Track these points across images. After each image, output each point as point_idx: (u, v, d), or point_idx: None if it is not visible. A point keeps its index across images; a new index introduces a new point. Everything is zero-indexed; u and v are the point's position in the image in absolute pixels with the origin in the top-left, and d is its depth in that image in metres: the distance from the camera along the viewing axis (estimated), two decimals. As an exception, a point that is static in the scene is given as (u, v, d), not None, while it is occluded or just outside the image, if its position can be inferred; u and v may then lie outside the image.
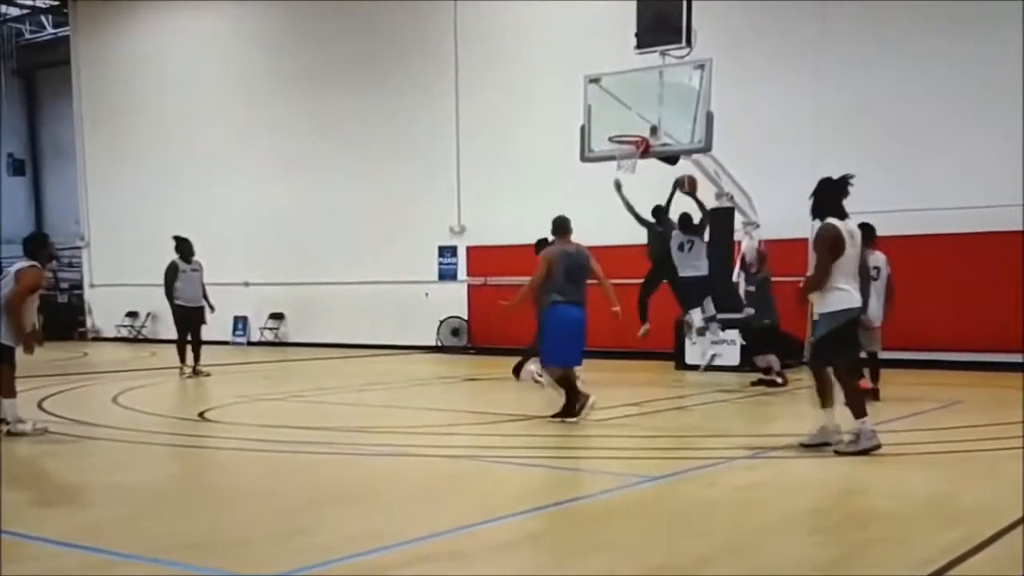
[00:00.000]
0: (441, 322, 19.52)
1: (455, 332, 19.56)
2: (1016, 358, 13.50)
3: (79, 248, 26.84)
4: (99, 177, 25.63)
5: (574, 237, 8.96)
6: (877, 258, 9.91)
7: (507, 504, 5.53)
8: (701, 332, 12.89)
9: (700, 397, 11.00)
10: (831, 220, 6.97)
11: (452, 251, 19.68)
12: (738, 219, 13.12)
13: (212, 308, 14.33)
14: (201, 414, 9.70)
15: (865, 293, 8.03)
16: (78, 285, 27.63)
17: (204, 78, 23.35)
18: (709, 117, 11.86)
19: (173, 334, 14.36)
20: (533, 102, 18.22)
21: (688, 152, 12.36)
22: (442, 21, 19.39)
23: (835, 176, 7.07)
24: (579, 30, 17.53)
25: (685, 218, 12.82)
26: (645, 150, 12.17)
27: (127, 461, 7.21)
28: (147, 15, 24.26)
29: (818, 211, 7.10)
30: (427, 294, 19.65)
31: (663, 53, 12.36)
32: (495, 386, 13.04)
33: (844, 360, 7.17)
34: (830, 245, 6.91)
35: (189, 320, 13.88)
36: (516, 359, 12.72)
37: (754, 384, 11.80)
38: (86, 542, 4.67)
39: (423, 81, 19.76)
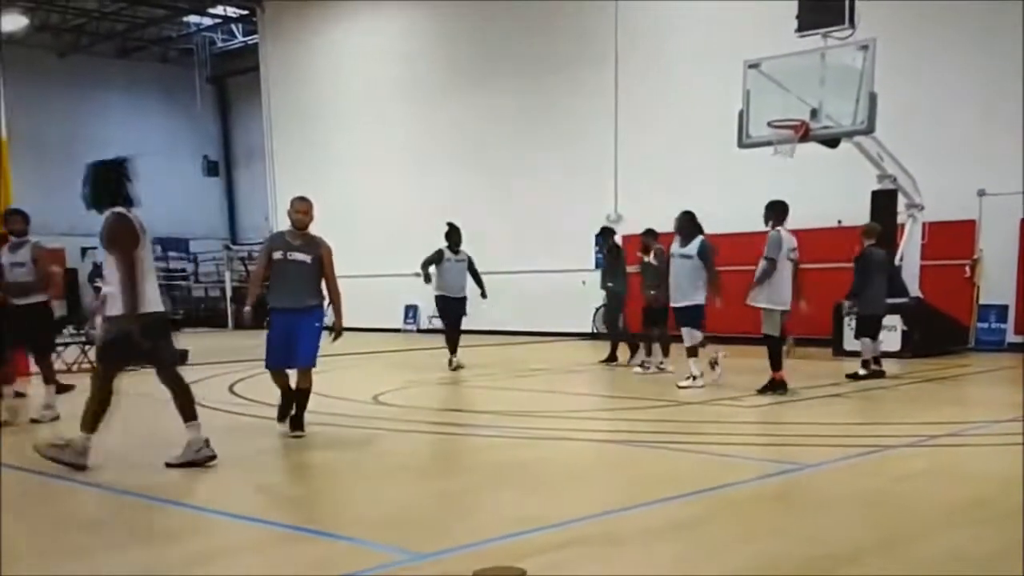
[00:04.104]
0: (597, 310, 19.70)
1: (610, 319, 19.68)
2: None
3: (268, 243, 28.57)
4: (286, 176, 27.16)
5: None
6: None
7: (659, 489, 5.57)
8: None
9: (857, 384, 10.74)
10: (119, 209, 5.98)
11: (609, 239, 19.78)
12: (901, 201, 12.75)
13: (484, 295, 13.60)
14: (375, 397, 10.31)
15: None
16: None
17: (378, 79, 24.50)
18: (872, 98, 11.59)
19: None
20: (690, 91, 18.12)
21: (850, 134, 12.11)
22: (604, 19, 19.58)
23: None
24: (738, 15, 17.26)
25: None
26: (805, 134, 12.03)
27: (305, 442, 7.64)
28: (329, 22, 25.58)
29: (100, 200, 5.98)
30: (584, 282, 19.87)
31: (825, 35, 12.14)
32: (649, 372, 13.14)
33: (118, 369, 6.16)
34: (133, 236, 5.96)
35: (448, 309, 13.38)
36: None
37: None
38: (264, 516, 5.09)
39: (583, 73, 20.02)
